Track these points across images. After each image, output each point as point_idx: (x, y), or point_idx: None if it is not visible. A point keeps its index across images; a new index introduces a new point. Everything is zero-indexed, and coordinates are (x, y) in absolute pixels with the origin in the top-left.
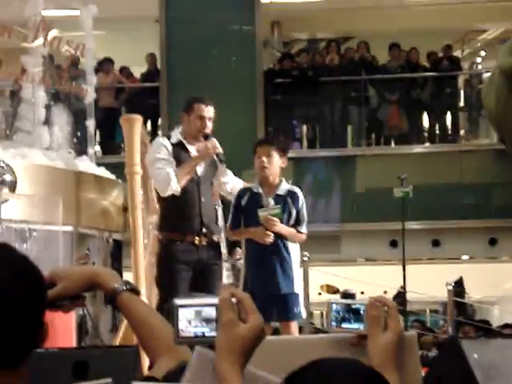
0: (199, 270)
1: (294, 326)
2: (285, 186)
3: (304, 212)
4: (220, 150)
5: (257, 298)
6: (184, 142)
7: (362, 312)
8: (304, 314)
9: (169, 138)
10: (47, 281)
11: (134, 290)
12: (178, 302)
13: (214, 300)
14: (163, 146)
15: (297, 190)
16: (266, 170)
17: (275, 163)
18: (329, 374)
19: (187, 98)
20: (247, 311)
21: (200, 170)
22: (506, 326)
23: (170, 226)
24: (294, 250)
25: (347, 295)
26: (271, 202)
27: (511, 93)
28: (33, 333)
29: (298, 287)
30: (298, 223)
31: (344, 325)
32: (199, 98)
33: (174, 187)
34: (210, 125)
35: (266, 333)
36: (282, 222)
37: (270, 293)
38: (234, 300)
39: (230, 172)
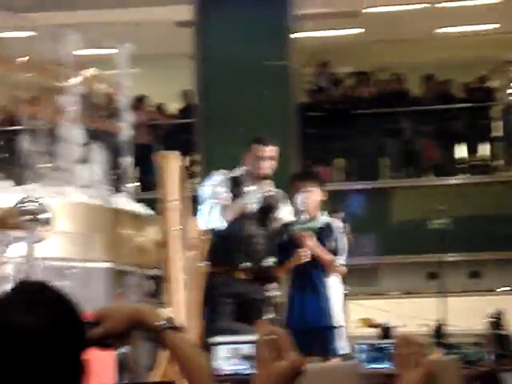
0: (242, 304)
1: (336, 362)
2: (323, 218)
3: (340, 244)
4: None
5: (297, 332)
6: (241, 176)
7: (389, 351)
8: (347, 349)
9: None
10: (93, 319)
11: (178, 328)
12: (214, 339)
13: (252, 337)
14: (218, 181)
15: (332, 221)
16: (308, 205)
17: (315, 198)
18: None
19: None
20: (284, 349)
21: (254, 207)
22: None
23: (213, 259)
24: (333, 283)
25: (386, 329)
26: (304, 216)
27: None
28: (72, 372)
29: (339, 320)
30: (335, 253)
31: (372, 365)
32: (257, 139)
33: (220, 223)
34: (269, 164)
35: (303, 370)
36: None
37: (307, 326)
38: (272, 337)
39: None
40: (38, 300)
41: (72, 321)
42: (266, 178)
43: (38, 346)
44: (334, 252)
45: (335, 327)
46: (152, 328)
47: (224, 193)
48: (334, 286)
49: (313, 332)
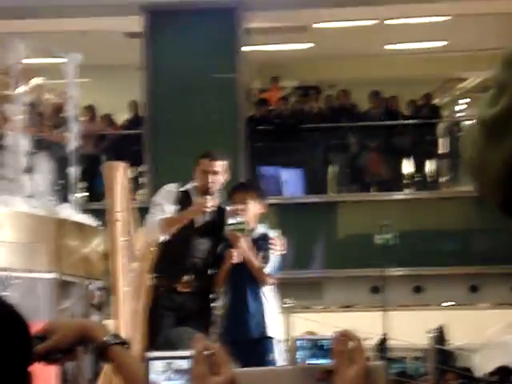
0: (183, 317)
1: None
2: (259, 231)
3: (269, 253)
4: (209, 207)
5: (231, 343)
6: (190, 191)
7: (327, 347)
8: (281, 362)
9: (183, 185)
10: (40, 333)
11: (124, 343)
12: (150, 354)
13: (187, 352)
14: (168, 193)
15: (270, 232)
16: (242, 214)
17: (250, 210)
18: None
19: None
20: (220, 363)
21: (199, 220)
22: (497, 371)
23: (157, 271)
24: (268, 295)
25: None
26: (237, 217)
27: (487, 144)
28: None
29: (273, 331)
30: (263, 262)
31: (309, 360)
32: (206, 153)
33: (158, 235)
34: (216, 179)
35: None
36: None
37: (240, 339)
38: (206, 352)
39: None
40: None
41: (18, 333)
42: (211, 192)
43: None
44: (264, 258)
45: (270, 339)
46: (99, 343)
47: (170, 206)
48: (269, 299)
49: (248, 344)
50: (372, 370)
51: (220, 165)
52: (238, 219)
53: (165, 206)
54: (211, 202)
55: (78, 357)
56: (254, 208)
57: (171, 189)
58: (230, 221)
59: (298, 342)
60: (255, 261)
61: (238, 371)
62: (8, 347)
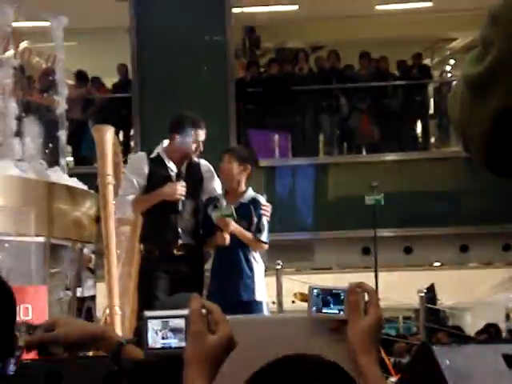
0: (178, 280)
1: None
2: (249, 194)
3: (263, 220)
4: (183, 194)
5: (220, 306)
6: (164, 157)
7: (342, 297)
8: None
9: (149, 152)
10: (46, 325)
11: (136, 343)
12: (147, 313)
13: (184, 311)
14: (138, 166)
15: (260, 198)
16: (223, 176)
17: (233, 170)
18: (292, 371)
19: (179, 117)
20: (216, 322)
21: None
22: (485, 329)
23: (147, 237)
24: (255, 259)
25: None
26: (224, 202)
27: (473, 101)
28: (9, 341)
29: (261, 295)
30: (257, 231)
31: (324, 310)
32: (194, 122)
33: (128, 214)
34: (201, 147)
35: (235, 343)
36: (243, 228)
37: (229, 301)
38: (203, 311)
39: (212, 173)
40: None
41: (4, 295)
42: (191, 159)
43: None
44: (258, 227)
45: (256, 302)
46: (113, 344)
47: (140, 180)
48: (256, 262)
49: (234, 307)
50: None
51: (203, 133)
52: (224, 205)
53: (134, 181)
54: (183, 189)
55: (75, 356)
56: (236, 169)
57: (140, 158)
58: (217, 207)
59: (314, 291)
60: (248, 234)
61: (248, 318)
62: None
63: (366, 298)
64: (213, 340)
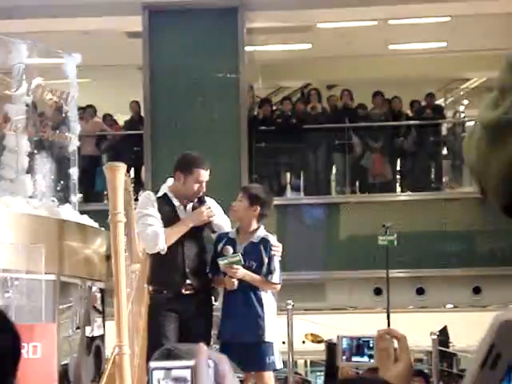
0: (187, 319)
1: (268, 376)
2: (260, 234)
3: (275, 261)
4: (213, 214)
5: (228, 347)
6: (170, 196)
7: (371, 345)
8: (279, 365)
9: (156, 192)
10: None
11: None
12: (152, 364)
13: (189, 362)
14: (150, 201)
15: (271, 237)
16: (233, 213)
17: (243, 209)
18: None
19: (185, 156)
20: (222, 375)
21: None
22: None
23: (156, 278)
24: (266, 298)
25: (331, 345)
26: (231, 250)
27: (490, 146)
28: None
29: (272, 336)
30: (269, 273)
31: (354, 358)
32: (199, 163)
33: (162, 247)
34: (203, 187)
35: None
36: (251, 270)
37: (239, 341)
38: (210, 362)
39: (218, 210)
40: None
41: (9, 335)
42: (201, 201)
43: None
44: (269, 269)
45: (266, 342)
46: None
47: (157, 214)
48: (267, 301)
49: (244, 347)
50: None
51: (207, 174)
52: (231, 253)
53: (153, 215)
54: (210, 210)
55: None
56: (246, 207)
57: (151, 196)
58: (224, 255)
59: (343, 340)
60: (257, 278)
61: None
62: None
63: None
64: None
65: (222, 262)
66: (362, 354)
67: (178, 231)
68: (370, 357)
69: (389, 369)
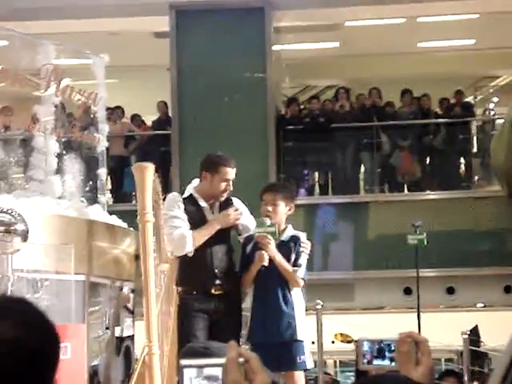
0: (216, 319)
1: (298, 376)
2: (289, 232)
3: (302, 257)
4: (240, 217)
5: (259, 347)
6: (196, 197)
7: (392, 348)
8: (310, 364)
9: (182, 193)
10: None
11: None
12: (183, 362)
13: (220, 360)
14: (178, 203)
15: (301, 235)
16: (273, 219)
17: (280, 211)
18: None
19: (210, 156)
20: (254, 371)
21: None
22: None
23: (184, 279)
24: (296, 298)
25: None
26: (267, 221)
27: None
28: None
29: (303, 335)
30: (295, 266)
31: (375, 361)
32: (225, 161)
33: (189, 249)
34: (230, 186)
35: None
36: None
37: (270, 341)
38: (240, 360)
39: (244, 210)
40: (12, 313)
41: (49, 337)
42: (228, 202)
43: (8, 356)
44: (296, 264)
45: (297, 341)
46: None
47: (184, 215)
48: (297, 300)
49: (276, 346)
50: None
51: (233, 172)
52: (268, 223)
53: (179, 217)
54: (238, 213)
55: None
56: (283, 209)
57: (176, 197)
58: (259, 224)
59: (363, 343)
60: (287, 264)
61: None
62: (37, 353)
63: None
64: None
65: (257, 230)
66: (383, 357)
67: (205, 233)
68: (392, 360)
69: (410, 372)
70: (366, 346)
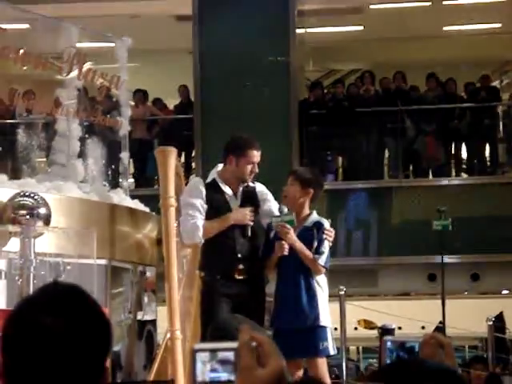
0: (239, 304)
1: (321, 362)
2: (313, 218)
3: (325, 244)
4: (251, 223)
5: (282, 333)
6: (219, 182)
7: (416, 350)
8: (333, 351)
9: (204, 177)
10: None
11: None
12: (196, 346)
13: (233, 344)
14: (198, 190)
15: (324, 221)
16: (285, 199)
17: (292, 192)
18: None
19: (235, 139)
20: (267, 355)
21: (235, 207)
22: None
23: (207, 264)
24: (320, 283)
25: (385, 330)
26: (285, 209)
27: None
28: (98, 376)
29: (326, 321)
30: (317, 254)
31: None
32: (250, 144)
33: (198, 240)
34: (256, 169)
35: (286, 377)
36: None
37: (293, 327)
38: (253, 343)
39: (268, 195)
40: (67, 303)
41: (102, 327)
42: (248, 181)
43: (63, 348)
44: (318, 251)
45: (320, 327)
46: None
47: (203, 204)
48: (319, 286)
49: (299, 332)
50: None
51: (259, 154)
52: (286, 211)
53: (196, 205)
54: (252, 215)
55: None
56: (296, 191)
57: (198, 182)
58: (277, 213)
59: (387, 343)
60: (308, 252)
61: None
62: (86, 339)
63: None
64: (262, 374)
65: (275, 220)
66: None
67: (218, 227)
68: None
69: None
70: (389, 346)
